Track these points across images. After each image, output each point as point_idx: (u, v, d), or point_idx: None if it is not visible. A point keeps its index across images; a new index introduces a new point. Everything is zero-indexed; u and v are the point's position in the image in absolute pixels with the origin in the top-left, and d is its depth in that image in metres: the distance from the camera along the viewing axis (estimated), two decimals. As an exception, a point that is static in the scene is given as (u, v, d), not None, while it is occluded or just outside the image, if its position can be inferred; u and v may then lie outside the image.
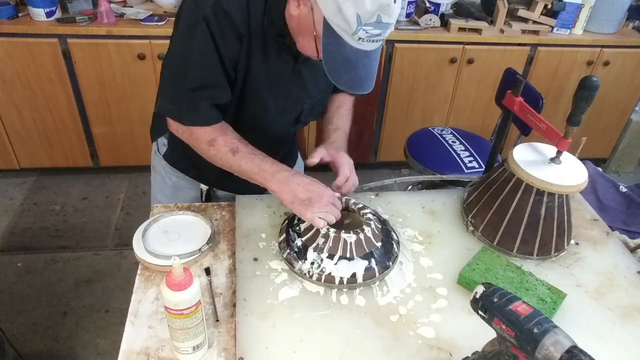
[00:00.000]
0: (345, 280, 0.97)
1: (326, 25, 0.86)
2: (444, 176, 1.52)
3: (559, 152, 1.10)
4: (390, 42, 2.51)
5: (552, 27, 2.63)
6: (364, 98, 2.65)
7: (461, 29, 2.54)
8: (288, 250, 1.02)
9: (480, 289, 0.74)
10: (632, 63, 2.76)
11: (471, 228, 1.16)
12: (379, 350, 0.87)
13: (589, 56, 2.69)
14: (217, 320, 0.92)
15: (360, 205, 1.09)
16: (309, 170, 1.24)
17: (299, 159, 1.46)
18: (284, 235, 1.06)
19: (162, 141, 1.27)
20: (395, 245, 1.06)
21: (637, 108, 3.02)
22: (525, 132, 1.93)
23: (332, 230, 0.99)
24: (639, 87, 2.88)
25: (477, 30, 2.55)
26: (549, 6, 2.55)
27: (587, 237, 1.19)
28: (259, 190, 1.19)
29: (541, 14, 2.57)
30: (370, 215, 1.06)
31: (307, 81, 1.12)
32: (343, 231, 0.99)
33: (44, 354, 1.87)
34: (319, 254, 0.98)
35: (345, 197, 1.11)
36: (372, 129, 2.81)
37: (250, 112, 1.11)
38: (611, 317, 0.98)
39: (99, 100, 2.47)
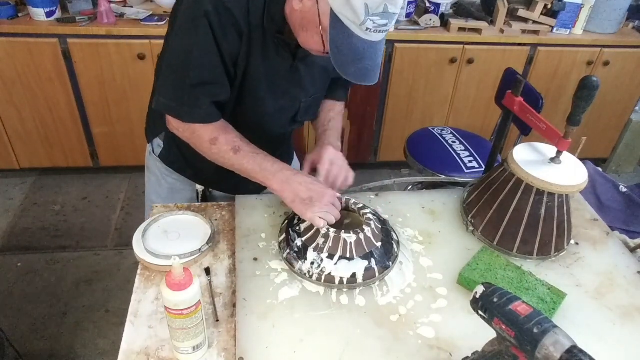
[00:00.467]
0: (345, 280, 0.97)
1: (333, 17, 0.86)
2: (444, 177, 1.53)
3: (559, 152, 1.10)
4: (390, 42, 2.51)
5: (552, 27, 2.63)
6: (364, 98, 2.67)
7: (461, 29, 2.54)
8: (288, 250, 1.02)
9: (480, 289, 0.74)
10: (632, 63, 2.76)
11: (471, 228, 1.16)
12: (379, 350, 0.87)
13: (589, 56, 2.69)
14: (217, 320, 0.92)
15: (360, 205, 1.09)
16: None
17: (295, 159, 1.46)
18: (284, 235, 1.06)
19: (157, 142, 1.26)
20: (395, 245, 1.06)
21: (637, 108, 3.02)
22: (525, 132, 1.93)
23: (332, 230, 0.99)
24: (639, 87, 2.88)
25: (477, 30, 2.55)
26: (549, 6, 2.55)
27: (587, 237, 1.19)
28: (256, 190, 1.19)
29: (541, 14, 2.57)
30: (370, 215, 1.06)
31: (304, 79, 1.12)
32: (343, 231, 0.99)
33: (44, 354, 1.87)
34: (319, 254, 0.98)
35: (346, 197, 1.11)
36: (372, 129, 2.81)
37: (249, 111, 1.11)
38: (611, 317, 0.98)
39: (99, 100, 2.47)
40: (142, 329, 0.90)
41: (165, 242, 1.07)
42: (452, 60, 2.59)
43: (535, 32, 2.61)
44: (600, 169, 1.94)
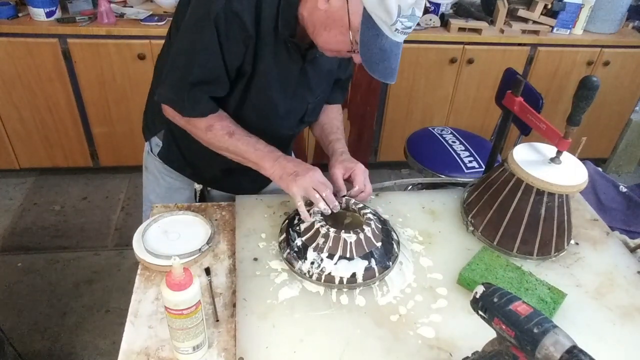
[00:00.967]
0: (345, 280, 0.97)
1: (366, 16, 0.88)
2: (444, 177, 1.53)
3: (559, 152, 1.10)
4: (390, 42, 2.51)
5: (552, 27, 2.63)
6: (364, 98, 2.67)
7: (461, 29, 2.54)
8: (288, 250, 1.02)
9: (480, 289, 0.74)
10: (632, 63, 2.76)
11: (471, 228, 1.16)
12: (379, 350, 0.87)
13: (589, 56, 2.69)
14: (217, 320, 0.92)
15: (361, 205, 1.09)
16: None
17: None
18: (284, 235, 1.06)
19: (156, 141, 1.27)
20: (395, 245, 1.06)
21: (637, 108, 3.02)
22: (525, 132, 1.93)
23: (332, 230, 0.99)
24: (639, 87, 2.88)
25: (477, 30, 2.55)
26: (549, 6, 2.55)
27: (587, 237, 1.19)
28: (255, 189, 1.19)
29: (541, 14, 2.57)
30: (370, 215, 1.06)
31: (311, 81, 1.14)
32: (343, 231, 0.99)
33: (44, 354, 1.87)
34: (319, 253, 0.98)
35: (346, 197, 1.11)
36: (372, 129, 2.81)
37: (258, 114, 1.12)
38: (611, 317, 0.98)
39: (99, 100, 2.47)
40: (142, 329, 0.90)
41: (165, 242, 1.07)
42: (452, 60, 2.59)
43: (535, 32, 2.61)
44: (600, 169, 1.94)
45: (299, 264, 0.99)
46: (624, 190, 1.87)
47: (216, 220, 1.17)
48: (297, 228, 1.04)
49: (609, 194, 1.86)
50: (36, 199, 2.64)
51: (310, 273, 0.98)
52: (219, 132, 1.06)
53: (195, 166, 1.25)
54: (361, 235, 0.99)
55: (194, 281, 0.78)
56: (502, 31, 2.58)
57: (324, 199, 1.03)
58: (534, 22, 2.59)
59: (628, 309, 1.00)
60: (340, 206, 1.07)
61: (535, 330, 0.65)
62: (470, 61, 2.60)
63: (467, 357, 0.80)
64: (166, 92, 1.05)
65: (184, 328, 0.79)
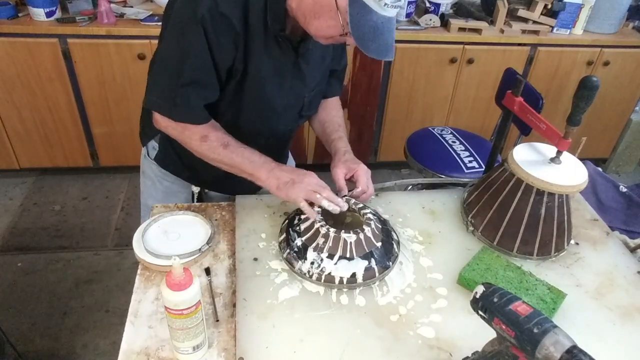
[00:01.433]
0: (345, 280, 0.97)
1: None
2: (444, 177, 1.53)
3: (559, 152, 1.10)
4: (390, 42, 2.51)
5: (552, 27, 2.63)
6: (364, 98, 2.67)
7: (461, 29, 2.54)
8: (288, 250, 1.02)
9: (480, 289, 0.74)
10: (632, 63, 2.76)
11: (471, 228, 1.16)
12: (379, 350, 0.87)
13: (589, 56, 2.69)
14: (217, 320, 0.92)
15: (361, 205, 1.09)
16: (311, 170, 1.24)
17: (290, 157, 1.47)
18: (284, 235, 1.06)
19: (153, 144, 1.26)
20: (395, 245, 1.06)
21: (637, 108, 3.02)
22: (525, 132, 1.93)
23: (332, 230, 1.00)
24: (639, 87, 2.88)
25: (477, 30, 2.55)
26: (549, 6, 2.55)
27: (587, 237, 1.19)
28: (253, 188, 1.19)
29: (541, 14, 2.57)
30: (370, 215, 1.06)
31: (306, 74, 1.14)
32: (343, 231, 0.99)
33: (44, 354, 1.87)
34: (319, 253, 0.98)
35: (346, 197, 1.11)
36: (372, 129, 2.81)
37: (256, 113, 1.12)
38: (611, 317, 0.98)
39: (99, 100, 2.47)
40: (142, 329, 0.90)
41: (165, 242, 1.07)
42: (452, 60, 2.59)
43: (535, 32, 2.60)
44: (600, 169, 1.94)
45: (299, 264, 0.99)
46: (624, 190, 1.87)
47: (216, 220, 1.17)
48: (297, 228, 1.04)
49: (609, 194, 1.86)
50: (36, 199, 2.64)
51: (310, 273, 0.98)
52: (214, 143, 1.05)
53: (193, 169, 1.25)
54: (361, 235, 0.99)
55: (194, 281, 0.78)
56: (502, 31, 2.58)
57: (325, 199, 1.03)
58: (534, 22, 2.59)
59: (628, 309, 1.00)
60: (341, 206, 1.07)
61: (535, 330, 0.65)
62: (470, 61, 2.60)
63: (467, 357, 0.80)
64: (155, 97, 1.04)
65: (184, 328, 0.79)
